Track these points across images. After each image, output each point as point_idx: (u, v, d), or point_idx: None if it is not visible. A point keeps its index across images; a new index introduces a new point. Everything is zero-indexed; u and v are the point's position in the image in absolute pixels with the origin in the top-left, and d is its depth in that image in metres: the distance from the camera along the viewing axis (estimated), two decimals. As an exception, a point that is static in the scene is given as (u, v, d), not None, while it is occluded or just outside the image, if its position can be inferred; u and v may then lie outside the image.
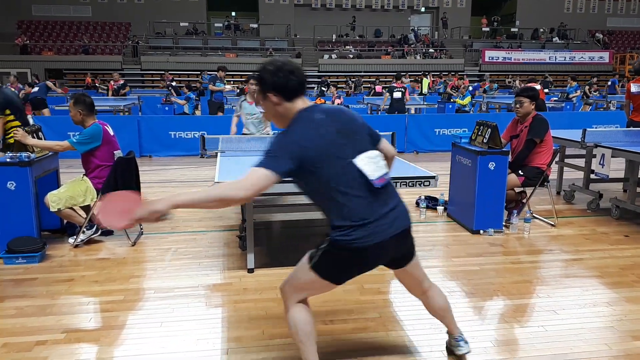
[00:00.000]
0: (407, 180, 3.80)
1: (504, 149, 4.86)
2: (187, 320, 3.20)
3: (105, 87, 19.11)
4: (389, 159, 2.57)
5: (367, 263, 2.33)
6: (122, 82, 15.19)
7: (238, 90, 14.92)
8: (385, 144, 2.53)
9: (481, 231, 4.90)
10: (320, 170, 2.16)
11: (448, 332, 2.82)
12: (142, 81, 24.76)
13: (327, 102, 14.42)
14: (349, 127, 2.27)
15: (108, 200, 2.24)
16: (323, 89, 17.72)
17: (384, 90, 15.66)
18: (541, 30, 31.00)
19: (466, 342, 2.78)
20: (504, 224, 4.97)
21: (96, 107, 4.78)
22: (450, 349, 2.83)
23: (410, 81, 18.60)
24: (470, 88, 16.24)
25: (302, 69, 2.31)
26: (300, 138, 2.16)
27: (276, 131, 5.62)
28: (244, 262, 4.08)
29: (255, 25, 29.94)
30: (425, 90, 18.44)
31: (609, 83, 18.50)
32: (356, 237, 2.18)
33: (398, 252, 2.41)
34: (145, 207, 2.13)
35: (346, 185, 2.17)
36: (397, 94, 11.56)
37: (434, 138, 10.28)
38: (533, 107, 5.08)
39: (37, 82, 15.87)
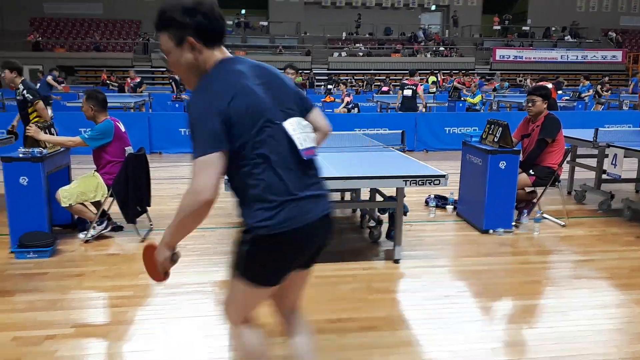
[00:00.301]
0: (417, 179, 3.79)
1: (515, 148, 4.83)
2: (195, 316, 3.22)
3: (117, 84, 19.19)
4: (321, 134, 2.06)
5: (301, 249, 1.89)
6: (138, 79, 15.12)
7: None
8: (317, 115, 2.04)
9: (491, 231, 4.87)
10: (240, 133, 1.71)
11: None
12: (152, 78, 24.86)
13: (336, 99, 14.40)
14: (277, 85, 1.86)
15: (146, 261, 2.06)
16: (330, 86, 17.69)
17: (391, 91, 15.63)
18: (553, 28, 30.70)
19: None
20: (513, 223, 4.94)
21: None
22: None
23: (420, 79, 18.53)
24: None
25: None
26: (219, 94, 1.72)
27: None
28: (252, 259, 4.08)
29: (265, 23, 29.96)
30: (433, 88, 18.34)
31: (632, 82, 18.20)
32: (284, 218, 1.75)
33: (322, 241, 1.97)
34: (159, 260, 1.95)
35: (271, 153, 1.75)
36: (407, 92, 11.44)
37: (444, 137, 10.23)
38: (545, 106, 5.04)
39: (42, 77, 15.88)
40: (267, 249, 1.81)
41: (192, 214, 1.77)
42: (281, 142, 1.78)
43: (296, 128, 1.83)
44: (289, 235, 1.78)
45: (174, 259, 1.96)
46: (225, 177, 1.83)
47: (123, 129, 4.68)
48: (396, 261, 4.13)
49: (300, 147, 1.81)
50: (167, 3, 1.83)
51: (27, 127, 4.44)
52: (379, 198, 4.83)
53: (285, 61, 25.77)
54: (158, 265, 1.94)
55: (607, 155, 5.38)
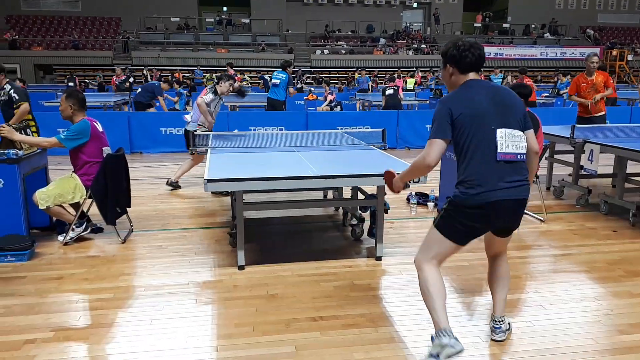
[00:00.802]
0: (397, 177, 3.80)
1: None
2: (177, 317, 3.20)
3: (96, 83, 18.92)
4: (529, 154, 2.64)
5: (484, 220, 2.56)
6: (124, 77, 14.86)
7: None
8: (530, 137, 2.64)
9: (471, 227, 4.91)
10: (463, 129, 2.51)
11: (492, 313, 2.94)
12: (135, 76, 24.56)
13: (319, 97, 14.41)
14: (505, 102, 2.57)
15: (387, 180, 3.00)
16: (306, 85, 17.70)
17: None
18: (533, 26, 31.12)
19: (503, 331, 2.90)
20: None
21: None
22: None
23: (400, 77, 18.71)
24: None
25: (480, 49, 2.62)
26: (452, 101, 2.56)
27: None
28: (234, 259, 4.08)
29: (247, 21, 29.81)
30: (410, 86, 18.51)
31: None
32: (476, 192, 2.48)
33: (514, 221, 2.64)
34: (396, 187, 2.94)
35: (479, 148, 2.49)
36: (389, 91, 11.77)
37: (426, 134, 10.24)
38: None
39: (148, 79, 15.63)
40: (457, 212, 2.64)
41: (419, 170, 2.68)
42: (490, 141, 2.51)
43: (504, 135, 2.51)
44: (474, 208, 2.56)
45: (406, 185, 3.05)
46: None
47: (100, 129, 4.62)
48: (378, 258, 4.15)
49: (499, 150, 2.50)
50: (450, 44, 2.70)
51: (0, 128, 4.35)
52: (360, 196, 4.85)
53: (268, 59, 25.76)
54: (394, 188, 2.95)
55: (584, 152, 5.48)
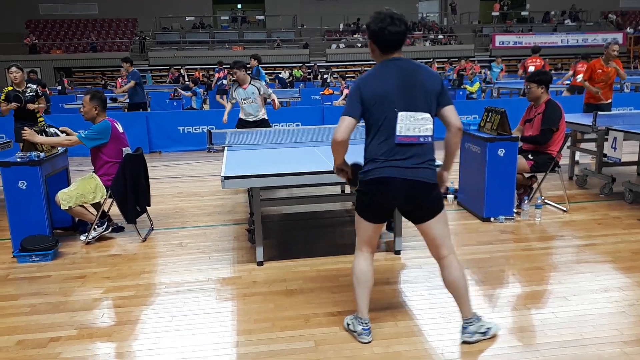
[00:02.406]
0: (414, 170, 3.77)
1: (513, 135, 4.81)
2: (197, 314, 3.23)
3: (114, 84, 19.11)
4: (450, 130, 2.65)
5: (376, 197, 2.62)
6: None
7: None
8: (449, 112, 2.64)
9: (492, 219, 4.86)
10: (369, 110, 2.56)
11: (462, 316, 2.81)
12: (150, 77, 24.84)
13: (334, 92, 14.36)
14: (416, 83, 2.55)
15: None
16: (325, 76, 17.64)
17: None
18: (552, 13, 30.48)
19: (471, 333, 2.76)
20: (514, 210, 4.93)
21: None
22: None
23: None
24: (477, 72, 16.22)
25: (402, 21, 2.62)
26: (364, 81, 2.60)
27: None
28: (253, 255, 4.10)
29: (261, 17, 29.85)
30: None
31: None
32: (368, 169, 2.60)
33: (410, 203, 2.64)
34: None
35: (381, 129, 2.54)
36: None
37: (442, 126, 10.18)
38: (542, 91, 5.01)
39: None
40: (359, 191, 2.76)
41: (333, 147, 2.68)
42: (392, 123, 2.54)
43: (405, 119, 2.52)
44: (367, 184, 2.69)
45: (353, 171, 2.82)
46: None
47: (121, 130, 4.68)
48: (397, 252, 4.13)
49: (397, 132, 2.52)
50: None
51: (22, 131, 4.43)
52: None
53: (284, 55, 25.78)
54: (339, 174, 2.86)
55: (606, 139, 5.35)
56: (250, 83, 6.46)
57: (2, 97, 6.62)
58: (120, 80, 14.54)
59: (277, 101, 6.56)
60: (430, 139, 2.60)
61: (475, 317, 2.81)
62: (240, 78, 6.41)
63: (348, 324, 2.94)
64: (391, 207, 2.76)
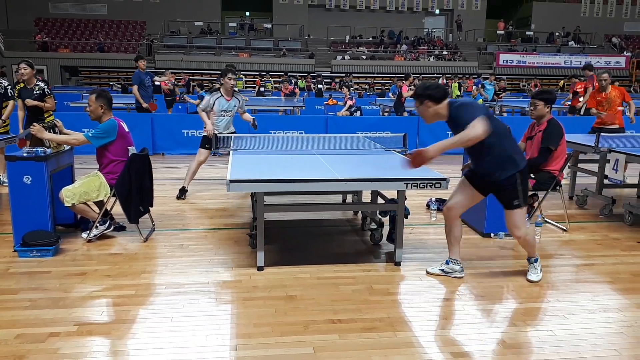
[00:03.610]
0: (418, 182, 3.81)
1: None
2: (197, 315, 3.24)
3: (120, 85, 19.17)
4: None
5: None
6: (174, 79, 13.47)
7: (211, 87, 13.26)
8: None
9: (492, 235, 4.88)
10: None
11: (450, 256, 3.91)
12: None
13: (339, 102, 14.42)
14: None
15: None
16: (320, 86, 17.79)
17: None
18: (557, 33, 30.73)
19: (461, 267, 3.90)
20: (514, 227, 4.93)
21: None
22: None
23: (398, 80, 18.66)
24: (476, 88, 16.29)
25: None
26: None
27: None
28: (253, 260, 4.11)
29: (269, 26, 30.07)
30: (457, 92, 18.31)
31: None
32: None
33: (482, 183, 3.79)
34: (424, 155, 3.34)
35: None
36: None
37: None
38: (548, 110, 5.05)
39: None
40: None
41: (466, 141, 3.37)
42: None
43: None
44: None
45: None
46: None
47: (126, 129, 4.71)
48: (397, 263, 4.14)
49: None
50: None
51: (31, 126, 4.47)
52: (380, 201, 4.85)
53: (289, 64, 25.92)
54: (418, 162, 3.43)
55: (608, 161, 5.39)
56: (233, 95, 6.13)
57: (15, 94, 6.70)
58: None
59: (250, 117, 6.26)
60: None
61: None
62: (231, 88, 6.05)
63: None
64: None
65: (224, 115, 6.13)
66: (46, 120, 5.83)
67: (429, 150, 3.32)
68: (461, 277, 3.88)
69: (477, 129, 3.27)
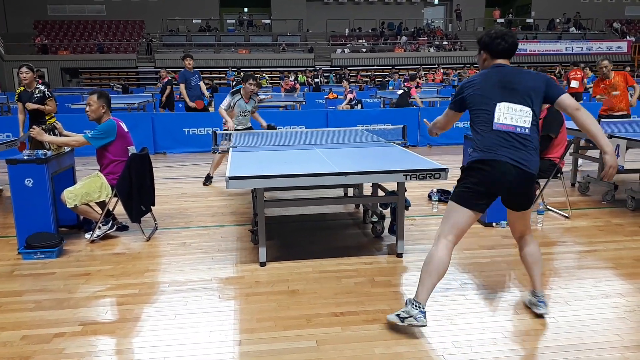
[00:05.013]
0: (417, 173, 3.80)
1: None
2: (200, 312, 3.26)
3: (120, 86, 19.17)
4: (571, 113, 2.83)
5: (489, 178, 2.82)
6: (167, 79, 12.49)
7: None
8: (564, 100, 2.85)
9: (494, 224, 4.88)
10: (470, 107, 2.95)
11: (531, 290, 3.19)
12: (156, 79, 24.97)
13: (339, 96, 14.41)
14: (511, 82, 2.86)
15: None
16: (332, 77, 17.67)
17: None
18: (557, 20, 30.52)
19: (545, 304, 3.10)
20: (516, 216, 4.93)
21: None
22: (528, 306, 3.21)
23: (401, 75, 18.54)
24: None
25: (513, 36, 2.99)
26: (466, 83, 3.02)
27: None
28: (256, 255, 4.12)
29: (267, 21, 29.99)
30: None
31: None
32: (477, 156, 2.85)
33: (516, 190, 2.88)
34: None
35: (481, 122, 2.87)
36: (400, 91, 12.30)
37: (448, 131, 10.17)
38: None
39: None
40: (466, 176, 2.99)
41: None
42: (490, 115, 2.88)
43: (504, 109, 2.84)
44: (479, 164, 2.95)
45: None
46: None
47: (126, 129, 4.72)
48: (399, 255, 4.15)
49: (495, 120, 2.85)
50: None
51: (31, 129, 4.49)
52: (381, 193, 4.85)
53: (289, 59, 25.89)
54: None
55: (610, 146, 5.36)
56: (250, 97, 6.70)
57: (16, 98, 6.74)
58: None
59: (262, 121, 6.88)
60: (527, 130, 2.82)
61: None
62: (252, 92, 6.63)
63: (400, 315, 2.90)
64: (496, 192, 2.91)
65: (242, 115, 6.69)
66: (47, 123, 5.84)
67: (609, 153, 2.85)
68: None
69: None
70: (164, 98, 12.08)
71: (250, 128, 6.86)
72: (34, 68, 6.62)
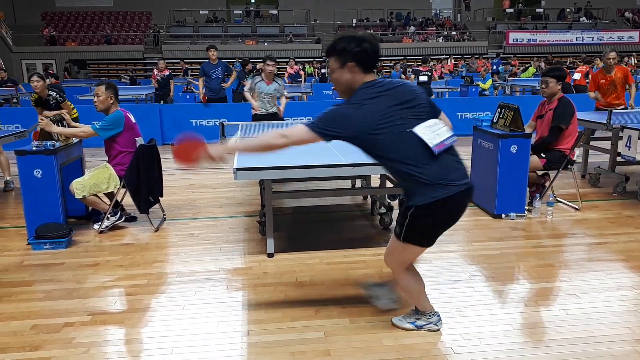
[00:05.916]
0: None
1: (526, 132, 4.77)
2: (208, 303, 3.27)
3: (128, 77, 19.18)
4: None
5: (454, 213, 2.54)
6: (168, 72, 11.70)
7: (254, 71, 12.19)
8: (444, 118, 2.66)
9: (503, 215, 4.84)
10: (379, 137, 2.36)
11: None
12: (163, 70, 24.97)
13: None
14: (408, 99, 2.42)
15: (180, 144, 2.56)
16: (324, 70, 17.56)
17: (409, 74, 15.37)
18: (567, 10, 30.11)
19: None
20: (526, 208, 4.90)
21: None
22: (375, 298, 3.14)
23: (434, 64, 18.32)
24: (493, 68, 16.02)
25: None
26: (354, 112, 2.37)
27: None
28: (263, 247, 4.12)
29: (274, 12, 29.84)
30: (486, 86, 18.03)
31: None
32: (439, 194, 2.40)
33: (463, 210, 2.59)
34: (206, 152, 2.51)
35: (408, 156, 2.37)
36: (422, 77, 11.70)
37: (456, 122, 10.13)
38: (559, 87, 4.96)
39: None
40: (424, 217, 2.55)
41: (260, 147, 2.54)
42: (413, 143, 2.40)
43: (424, 131, 2.39)
44: (442, 204, 2.50)
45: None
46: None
47: (133, 120, 4.72)
48: (407, 247, 4.12)
49: (430, 144, 2.38)
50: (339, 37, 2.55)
51: (39, 120, 4.50)
52: (389, 184, 4.82)
53: (296, 50, 25.77)
54: (201, 157, 2.53)
55: (621, 138, 5.30)
56: (274, 80, 6.64)
57: (32, 104, 6.76)
58: (156, 72, 12.00)
59: (281, 108, 6.82)
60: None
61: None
62: (270, 73, 6.56)
63: (416, 323, 2.85)
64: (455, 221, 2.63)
65: (264, 98, 6.62)
66: (72, 116, 5.89)
67: None
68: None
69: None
70: (171, 94, 11.54)
71: (275, 114, 6.68)
72: (44, 76, 6.65)
